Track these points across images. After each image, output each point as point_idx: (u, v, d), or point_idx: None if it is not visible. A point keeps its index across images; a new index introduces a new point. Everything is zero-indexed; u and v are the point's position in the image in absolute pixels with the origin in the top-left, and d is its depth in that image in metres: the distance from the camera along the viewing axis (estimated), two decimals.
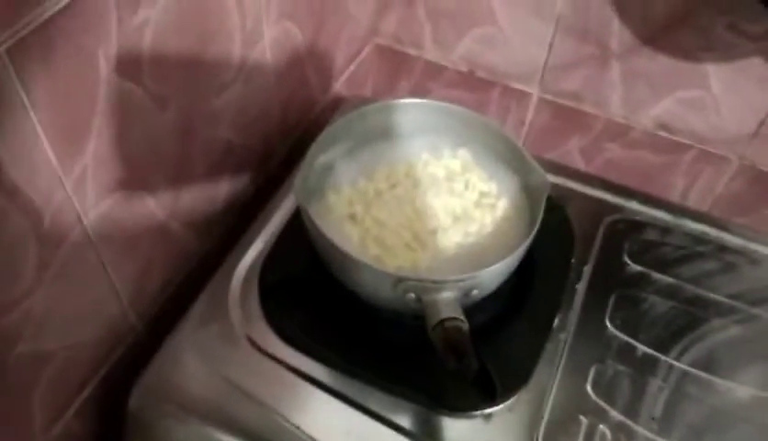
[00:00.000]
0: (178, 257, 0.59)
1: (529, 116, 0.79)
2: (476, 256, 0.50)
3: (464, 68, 0.79)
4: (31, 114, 0.38)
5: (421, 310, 0.46)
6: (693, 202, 0.76)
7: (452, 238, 0.51)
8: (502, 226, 0.53)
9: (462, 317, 0.44)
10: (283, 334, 0.53)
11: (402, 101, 0.56)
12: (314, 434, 0.49)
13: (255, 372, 0.52)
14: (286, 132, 0.69)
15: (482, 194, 0.54)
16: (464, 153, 0.57)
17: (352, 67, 0.79)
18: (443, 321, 0.43)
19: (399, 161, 0.56)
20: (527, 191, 0.55)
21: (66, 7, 0.37)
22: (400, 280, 0.46)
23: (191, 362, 0.52)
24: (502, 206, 0.54)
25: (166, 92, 0.48)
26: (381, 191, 0.54)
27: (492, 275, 0.47)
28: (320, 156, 0.54)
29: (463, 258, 0.50)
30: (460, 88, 0.81)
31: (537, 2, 0.68)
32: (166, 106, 0.49)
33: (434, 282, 0.45)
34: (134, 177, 0.49)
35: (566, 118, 0.77)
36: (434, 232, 0.51)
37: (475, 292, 0.47)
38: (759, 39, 0.61)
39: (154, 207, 0.52)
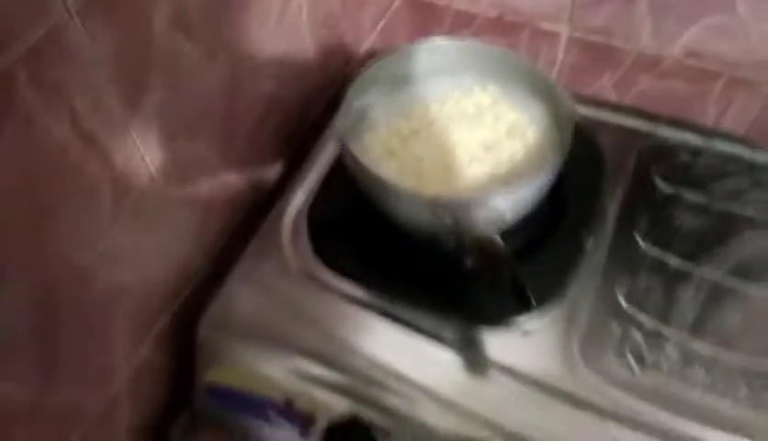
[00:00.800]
0: (234, 202, 0.64)
1: (560, 55, 0.81)
2: (507, 181, 0.53)
3: (493, 13, 0.81)
4: (99, 68, 0.43)
5: (458, 233, 0.50)
6: (727, 129, 0.77)
7: (485, 166, 0.55)
8: (533, 153, 0.56)
9: (496, 233, 0.48)
10: (332, 265, 0.58)
11: (431, 43, 0.60)
12: (368, 350, 0.53)
13: (310, 299, 0.57)
14: (324, 85, 0.73)
15: (512, 124, 0.57)
16: (493, 88, 0.60)
17: (384, 20, 0.82)
18: (478, 237, 0.47)
19: (431, 100, 0.60)
20: (557, 120, 0.57)
21: None
22: (436, 204, 0.50)
23: (251, 293, 0.58)
24: (533, 134, 0.57)
25: (214, 45, 0.53)
26: (416, 129, 0.58)
27: (522, 195, 0.50)
28: (356, 100, 0.58)
29: (496, 184, 0.54)
30: (491, 33, 0.83)
31: None
32: (214, 58, 0.54)
33: (468, 202, 0.48)
34: (190, 127, 0.54)
35: (596, 54, 0.78)
36: (468, 163, 0.55)
37: (508, 213, 0.50)
38: None
39: (209, 154, 0.57)
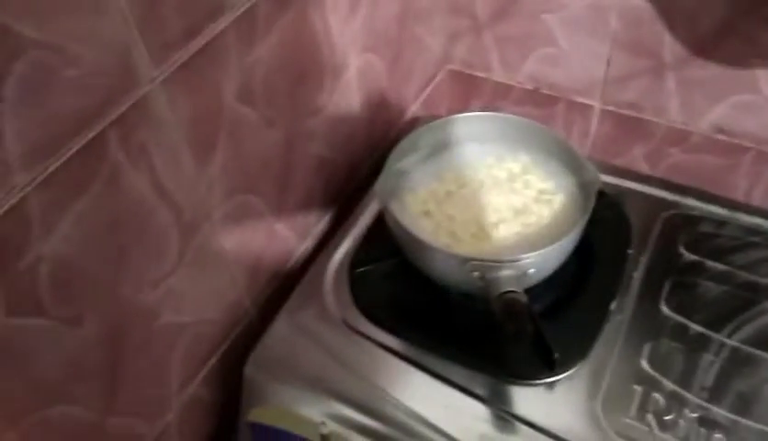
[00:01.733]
0: (282, 254, 0.69)
1: (593, 127, 0.85)
2: (534, 243, 0.58)
3: (530, 86, 0.86)
4: (177, 132, 0.50)
5: (486, 289, 0.54)
6: (757, 202, 0.79)
7: (512, 229, 0.59)
8: (559, 218, 0.60)
9: (520, 290, 0.52)
10: (370, 316, 0.63)
11: (467, 114, 0.66)
12: (400, 398, 0.57)
13: (348, 346, 0.61)
14: (370, 149, 0.80)
15: (541, 191, 0.62)
16: (523, 157, 0.65)
17: (427, 91, 0.89)
18: (502, 293, 0.51)
19: (466, 166, 0.65)
20: (582, 188, 0.62)
21: (202, 47, 0.49)
22: (466, 261, 0.54)
23: (294, 338, 0.63)
24: (559, 201, 0.61)
25: (273, 114, 0.60)
26: (451, 191, 0.63)
27: (546, 256, 0.54)
28: (397, 163, 0.64)
29: (522, 245, 0.58)
30: (527, 105, 0.88)
31: (593, 23, 0.75)
32: (273, 125, 0.60)
33: (495, 261, 0.53)
34: (249, 184, 0.60)
35: (628, 127, 0.82)
36: (496, 225, 0.59)
37: (532, 271, 0.54)
38: None
39: (264, 209, 0.64)
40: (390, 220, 0.59)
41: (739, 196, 0.81)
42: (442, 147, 0.66)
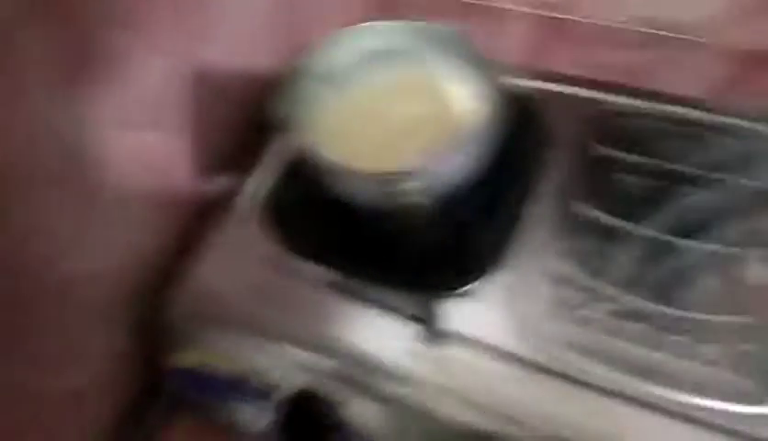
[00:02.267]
0: (201, 192, 0.67)
1: (513, 31, 0.82)
2: (442, 151, 0.55)
3: None
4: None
5: (395, 203, 0.52)
6: (679, 91, 0.78)
7: (421, 138, 0.57)
8: (468, 125, 0.58)
9: (422, 200, 0.50)
10: (292, 247, 0.61)
11: (366, 25, 0.62)
12: (328, 326, 0.56)
13: (273, 281, 0.59)
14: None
15: (449, 98, 0.60)
16: (431, 64, 0.62)
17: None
18: (410, 207, 0.50)
19: (371, 78, 0.62)
20: (492, 90, 0.59)
21: None
22: (372, 178, 0.52)
23: (216, 279, 0.61)
24: (468, 107, 0.59)
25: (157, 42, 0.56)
26: (357, 109, 0.60)
27: (451, 162, 0.53)
28: (297, 84, 0.60)
29: (431, 154, 0.56)
30: (453, 15, 0.84)
31: None
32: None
33: (399, 174, 0.51)
34: (150, 119, 0.57)
35: (549, 28, 0.80)
36: (405, 136, 0.57)
37: (439, 179, 0.52)
38: None
39: (173, 146, 0.60)
40: (297, 145, 0.56)
41: (663, 87, 0.79)
42: (345, 62, 0.63)
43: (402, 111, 0.59)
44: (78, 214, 0.53)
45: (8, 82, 0.43)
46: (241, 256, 0.62)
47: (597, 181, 0.60)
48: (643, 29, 0.74)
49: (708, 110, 0.64)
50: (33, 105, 0.46)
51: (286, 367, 0.57)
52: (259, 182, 0.66)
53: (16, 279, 0.49)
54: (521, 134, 0.63)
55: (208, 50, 0.62)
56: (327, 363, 0.56)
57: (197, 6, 0.59)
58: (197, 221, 0.68)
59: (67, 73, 0.48)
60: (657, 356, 0.50)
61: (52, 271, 0.52)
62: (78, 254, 0.54)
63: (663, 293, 0.53)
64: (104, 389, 0.61)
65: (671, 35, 0.73)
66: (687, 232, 0.56)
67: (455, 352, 0.53)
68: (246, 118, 0.73)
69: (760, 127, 0.63)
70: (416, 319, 0.55)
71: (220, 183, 0.70)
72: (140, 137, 0.57)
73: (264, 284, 0.59)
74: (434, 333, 0.54)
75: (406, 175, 0.51)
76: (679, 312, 0.52)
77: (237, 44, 0.66)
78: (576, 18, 0.77)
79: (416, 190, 0.51)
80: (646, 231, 0.56)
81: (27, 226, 0.48)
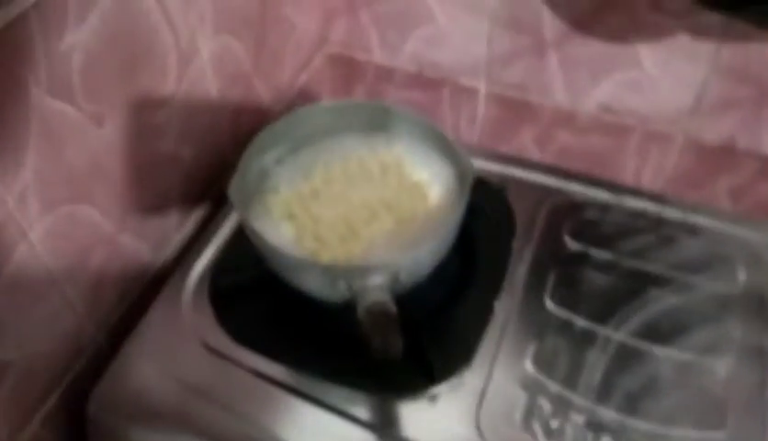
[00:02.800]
0: (132, 269, 0.61)
1: (480, 110, 0.81)
2: (407, 243, 0.52)
3: (413, 68, 0.81)
4: None
5: (354, 299, 0.48)
6: (647, 183, 0.78)
7: (385, 227, 0.53)
8: (435, 214, 0.55)
9: (389, 300, 0.46)
10: (235, 336, 0.56)
11: (332, 103, 0.59)
12: (271, 430, 0.50)
13: (211, 374, 0.54)
14: (237, 145, 0.71)
15: (415, 183, 0.56)
16: (396, 147, 0.59)
17: (304, 77, 0.81)
18: (368, 306, 0.45)
19: (335, 159, 0.58)
20: (459, 178, 0.56)
21: None
22: (329, 269, 0.48)
23: (148, 367, 0.55)
24: (435, 194, 0.56)
25: (101, 110, 0.51)
26: (317, 189, 0.56)
27: (418, 258, 0.49)
28: (255, 161, 0.56)
29: (395, 246, 0.52)
30: (412, 89, 0.83)
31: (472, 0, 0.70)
32: (102, 122, 0.52)
33: (360, 268, 0.47)
34: (77, 192, 0.51)
35: (515, 109, 0.78)
36: (367, 223, 0.53)
37: (404, 276, 0.48)
38: (682, 15, 0.62)
39: (101, 220, 0.55)
40: (246, 227, 0.52)
41: (628, 177, 0.78)
42: (307, 140, 0.59)
43: (363, 195, 0.55)
44: (4, 298, 0.46)
45: None
46: (179, 343, 0.56)
47: (568, 278, 0.57)
48: (608, 117, 0.74)
49: (672, 206, 0.63)
50: None
51: None
52: (206, 261, 0.61)
53: None
54: (489, 221, 0.60)
55: (156, 115, 0.58)
56: None
57: (148, 75, 0.55)
58: (137, 299, 0.62)
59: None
60: None
61: None
62: None
63: (635, 404, 0.50)
64: None
65: (635, 125, 0.73)
66: (657, 337, 0.53)
67: None
68: (202, 192, 0.68)
69: (722, 226, 0.62)
70: (372, 425, 0.50)
71: (164, 257, 0.65)
72: (70, 208, 0.51)
73: (202, 377, 0.54)
74: (394, 439, 0.50)
75: (367, 268, 0.47)
76: (651, 425, 0.49)
77: (195, 109, 0.62)
78: (542, 101, 0.76)
79: (377, 285, 0.47)
80: (616, 334, 0.53)
81: None
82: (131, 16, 0.51)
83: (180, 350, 0.55)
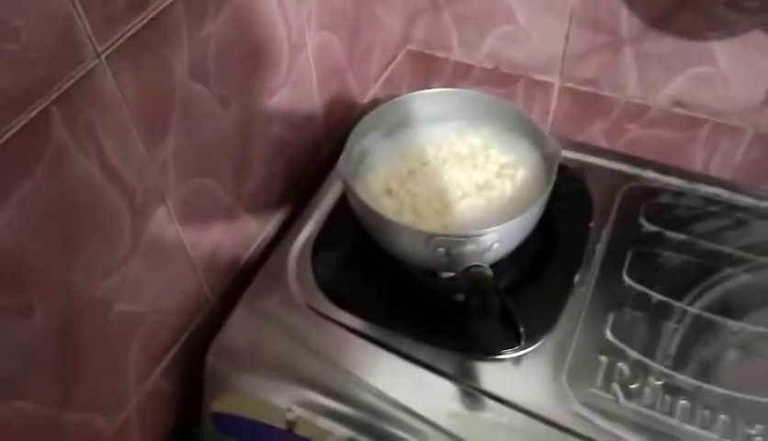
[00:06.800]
0: (242, 239, 0.68)
1: (553, 104, 0.86)
2: (497, 217, 0.57)
3: (489, 65, 0.86)
4: (125, 110, 0.48)
5: (451, 265, 0.53)
6: (714, 173, 0.81)
7: (475, 204, 0.59)
8: (522, 192, 0.60)
9: (485, 265, 0.51)
10: (335, 299, 0.62)
11: (427, 91, 0.65)
12: (368, 379, 0.56)
13: (313, 331, 0.60)
14: (331, 131, 0.78)
15: (502, 165, 0.62)
16: (485, 132, 0.64)
17: (387, 72, 0.88)
18: (468, 268, 0.51)
19: (428, 143, 0.64)
20: (544, 161, 0.61)
21: (149, 22, 0.47)
22: (430, 237, 0.53)
23: (258, 324, 0.61)
24: (521, 175, 0.61)
25: (228, 93, 0.58)
26: (413, 169, 0.62)
27: (509, 229, 0.54)
28: (358, 143, 0.62)
29: (486, 219, 0.57)
30: (488, 84, 0.88)
31: None
32: (228, 104, 0.58)
33: (460, 236, 0.52)
34: (205, 167, 0.58)
35: (587, 103, 0.83)
36: (460, 200, 0.59)
37: (496, 245, 0.54)
38: (756, 12, 0.66)
39: (222, 193, 0.62)
40: (353, 200, 0.58)
41: (697, 167, 0.82)
42: (403, 125, 0.65)
43: (458, 176, 0.61)
44: (138, 256, 0.54)
45: None
46: (285, 305, 0.62)
47: (645, 256, 0.61)
48: (679, 111, 0.77)
49: (743, 192, 0.66)
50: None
51: (320, 416, 0.57)
52: (308, 234, 0.67)
53: (79, 319, 0.49)
54: (568, 204, 0.64)
55: (269, 101, 0.64)
56: (361, 416, 0.55)
57: (266, 65, 0.62)
58: (244, 267, 0.69)
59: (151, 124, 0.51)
60: (705, 435, 0.51)
61: (111, 310, 0.52)
62: (132, 296, 0.54)
63: (711, 372, 0.54)
64: (143, 427, 0.60)
65: (706, 118, 0.76)
66: (730, 312, 0.57)
67: (493, 413, 0.53)
68: (301, 173, 0.75)
69: None
70: (459, 380, 0.55)
71: (266, 231, 0.71)
72: (199, 181, 0.58)
73: (306, 333, 0.60)
74: (475, 395, 0.55)
75: (466, 236, 0.53)
76: (728, 392, 0.53)
77: (298, 97, 0.69)
78: (614, 95, 0.80)
79: (475, 252, 0.52)
80: (691, 308, 0.57)
81: (89, 268, 0.49)
82: (255, 10, 0.58)
83: (286, 311, 0.62)
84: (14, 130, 0.40)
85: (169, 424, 0.64)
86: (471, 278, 0.49)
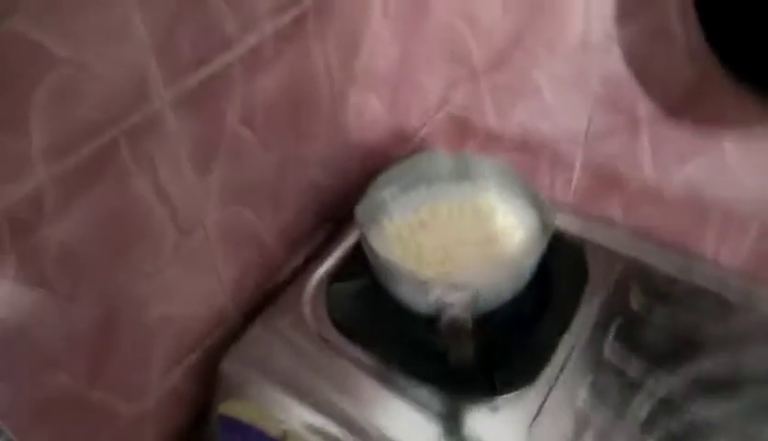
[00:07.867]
0: (270, 266, 0.76)
1: (575, 175, 0.91)
2: (493, 272, 0.64)
3: (518, 133, 0.93)
4: (181, 146, 0.58)
5: (441, 311, 0.60)
6: (724, 259, 0.84)
7: (476, 258, 0.65)
8: (518, 252, 0.66)
9: (467, 316, 0.57)
10: (342, 329, 0.69)
11: (444, 153, 0.73)
12: (362, 407, 0.63)
13: (321, 356, 0.67)
14: (365, 178, 0.86)
15: (505, 226, 0.68)
16: (492, 194, 0.71)
17: (425, 129, 0.96)
18: (450, 317, 0.57)
19: (440, 198, 0.72)
20: (542, 225, 0.67)
21: (210, 75, 0.57)
22: (424, 282, 0.60)
23: (272, 342, 0.69)
24: (520, 236, 0.67)
25: (271, 138, 0.67)
26: (424, 221, 0.70)
27: (495, 283, 0.60)
28: (379, 192, 0.70)
29: (481, 273, 0.64)
30: (516, 151, 0.95)
31: (577, 83, 0.82)
32: (270, 148, 0.68)
33: (447, 284, 0.59)
34: (244, 198, 0.67)
35: (607, 179, 0.88)
36: (461, 254, 0.66)
37: (483, 298, 0.60)
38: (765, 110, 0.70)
39: (256, 223, 0.71)
40: (364, 243, 0.65)
41: (707, 251, 0.85)
42: (421, 180, 0.73)
43: (460, 231, 0.68)
44: (176, 265, 0.63)
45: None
46: (298, 329, 0.69)
47: (630, 330, 0.66)
48: (691, 196, 0.81)
49: (738, 283, 0.70)
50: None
51: (310, 433, 0.63)
52: (326, 269, 0.75)
53: (119, 313, 0.58)
54: (566, 269, 0.70)
55: (307, 147, 0.73)
56: (351, 439, 0.62)
57: (308, 116, 0.71)
58: (268, 291, 0.77)
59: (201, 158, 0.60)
60: None
61: (148, 308, 0.61)
62: (167, 299, 0.63)
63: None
64: (158, 418, 0.68)
65: (716, 207, 0.80)
66: (705, 393, 0.60)
67: None
68: (330, 213, 0.83)
69: None
70: (443, 418, 0.61)
71: (295, 261, 0.80)
72: (237, 209, 0.67)
73: (314, 357, 0.67)
74: (457, 436, 0.60)
75: (453, 285, 0.59)
76: None
77: (337, 146, 0.78)
78: (631, 174, 0.85)
79: (460, 302, 0.58)
80: (667, 381, 0.61)
81: (133, 270, 0.58)
82: (302, 69, 0.68)
83: (297, 334, 0.69)
84: (90, 150, 0.50)
85: (181, 422, 0.72)
86: (448, 325, 0.56)
